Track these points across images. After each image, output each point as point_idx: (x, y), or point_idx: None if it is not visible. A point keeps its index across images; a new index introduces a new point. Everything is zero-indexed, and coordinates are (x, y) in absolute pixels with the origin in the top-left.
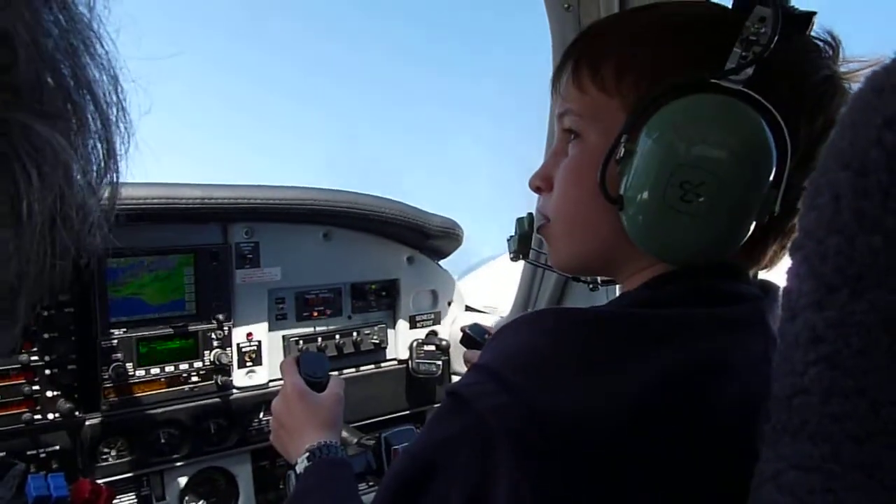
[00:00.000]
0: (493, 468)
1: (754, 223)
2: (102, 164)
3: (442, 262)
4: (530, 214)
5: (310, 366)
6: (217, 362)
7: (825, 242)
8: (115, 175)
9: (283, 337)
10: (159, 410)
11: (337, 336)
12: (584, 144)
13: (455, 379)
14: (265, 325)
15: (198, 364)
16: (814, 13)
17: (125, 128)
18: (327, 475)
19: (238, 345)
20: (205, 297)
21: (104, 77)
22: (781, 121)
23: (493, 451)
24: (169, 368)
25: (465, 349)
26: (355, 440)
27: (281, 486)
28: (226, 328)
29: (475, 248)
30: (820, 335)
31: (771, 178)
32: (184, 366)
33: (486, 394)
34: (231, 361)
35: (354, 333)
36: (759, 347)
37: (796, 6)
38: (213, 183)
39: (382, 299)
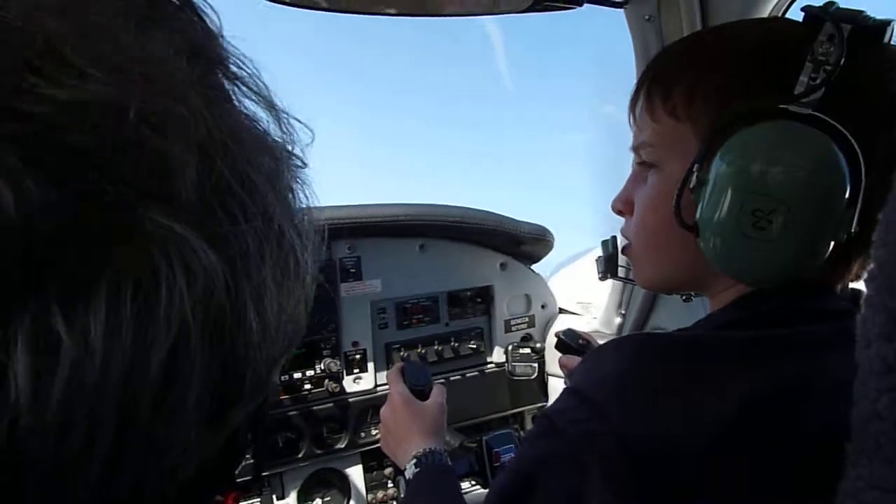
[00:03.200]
0: (587, 492)
1: (833, 243)
2: (258, 280)
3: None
4: (614, 238)
5: (414, 375)
6: (328, 370)
7: (894, 278)
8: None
9: (386, 345)
10: (278, 416)
11: (436, 342)
12: (661, 173)
13: (551, 381)
14: (369, 333)
15: (310, 372)
16: (888, 22)
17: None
18: (434, 482)
19: (345, 353)
20: (315, 310)
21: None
22: (855, 140)
23: (585, 476)
24: (284, 377)
25: (560, 354)
26: (457, 443)
27: (389, 486)
28: (334, 338)
29: (564, 245)
30: (891, 365)
31: (846, 197)
32: (297, 374)
33: (577, 420)
34: (340, 369)
35: (452, 339)
36: (844, 366)
37: (872, 15)
38: (316, 206)
39: (478, 305)
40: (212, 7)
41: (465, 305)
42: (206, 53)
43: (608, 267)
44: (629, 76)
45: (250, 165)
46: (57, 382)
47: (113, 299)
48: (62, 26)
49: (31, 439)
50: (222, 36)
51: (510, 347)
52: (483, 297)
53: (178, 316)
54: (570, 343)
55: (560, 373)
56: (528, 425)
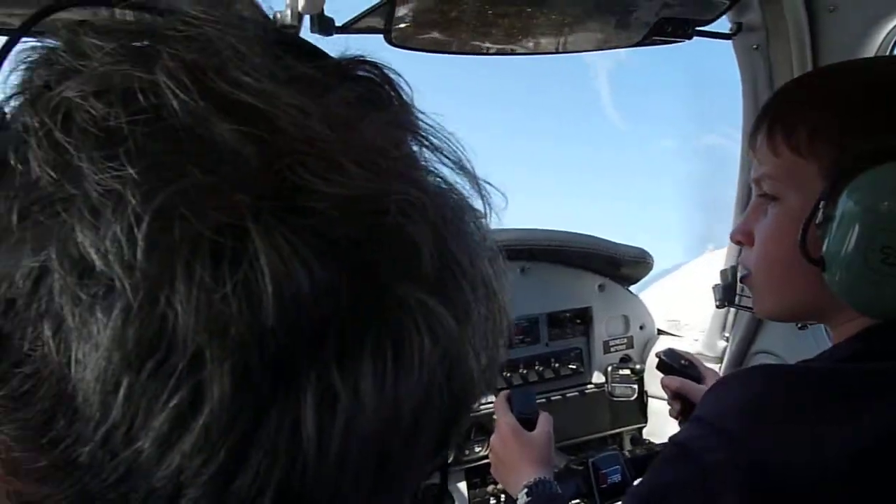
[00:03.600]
0: None
1: None
2: (482, 337)
3: None
4: (733, 268)
5: (520, 404)
6: None
7: None
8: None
9: None
10: None
11: (537, 363)
12: (783, 207)
13: (651, 402)
14: None
15: None
16: None
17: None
18: None
19: None
20: None
21: (489, 272)
22: None
23: (713, 503)
24: None
25: (661, 375)
26: (563, 464)
27: (492, 502)
28: None
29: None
30: None
31: None
32: None
33: (709, 448)
34: None
35: (552, 359)
36: None
37: None
38: None
39: (577, 326)
40: (404, 79)
41: (565, 326)
42: (408, 126)
43: (726, 295)
44: (728, 103)
45: (464, 232)
46: (335, 435)
47: (378, 360)
48: (323, 128)
49: (315, 489)
50: (415, 106)
51: (609, 368)
52: (582, 319)
53: (426, 372)
54: (672, 364)
55: (660, 394)
56: (627, 446)
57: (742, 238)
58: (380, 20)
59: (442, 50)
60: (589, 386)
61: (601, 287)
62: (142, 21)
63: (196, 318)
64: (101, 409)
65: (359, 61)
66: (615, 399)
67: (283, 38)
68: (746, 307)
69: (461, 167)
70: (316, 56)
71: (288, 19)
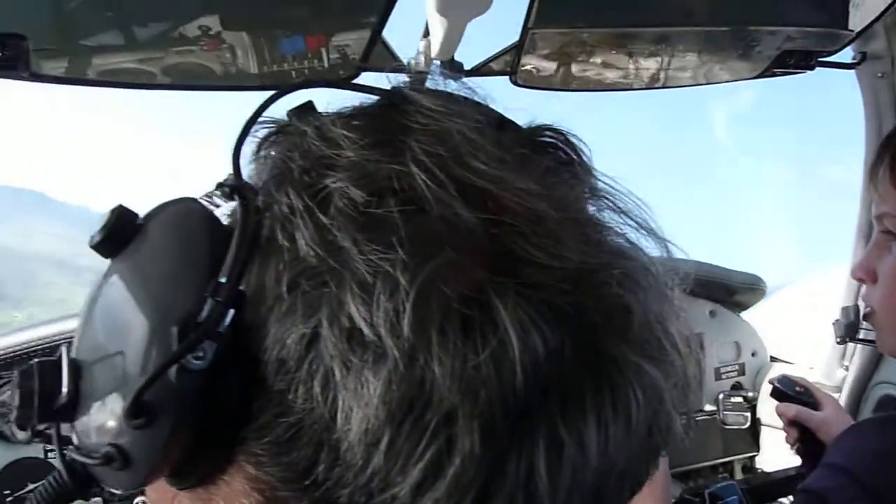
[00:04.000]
0: None
1: None
2: (680, 392)
3: None
4: (855, 306)
5: None
6: None
7: None
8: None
9: None
10: None
11: None
12: None
13: (764, 431)
14: None
15: None
16: None
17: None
18: None
19: None
20: None
21: (684, 331)
22: None
23: None
24: None
25: (776, 402)
26: (678, 493)
27: None
28: None
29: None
30: None
31: None
32: None
33: (849, 497)
34: None
35: None
36: None
37: None
38: None
39: None
40: (583, 141)
41: None
42: (597, 193)
43: (848, 332)
44: (830, 134)
45: (664, 295)
46: (563, 480)
47: (599, 415)
48: (542, 205)
49: None
50: (595, 168)
51: (721, 396)
52: None
53: (640, 425)
54: (787, 391)
55: (773, 423)
56: (738, 474)
57: (864, 276)
58: (506, 62)
59: (564, 88)
60: (700, 413)
61: (712, 313)
62: (380, 113)
63: (451, 380)
64: (364, 457)
65: (544, 128)
66: (727, 427)
67: (498, 120)
68: (869, 341)
69: (649, 230)
70: (514, 129)
71: (421, 65)
